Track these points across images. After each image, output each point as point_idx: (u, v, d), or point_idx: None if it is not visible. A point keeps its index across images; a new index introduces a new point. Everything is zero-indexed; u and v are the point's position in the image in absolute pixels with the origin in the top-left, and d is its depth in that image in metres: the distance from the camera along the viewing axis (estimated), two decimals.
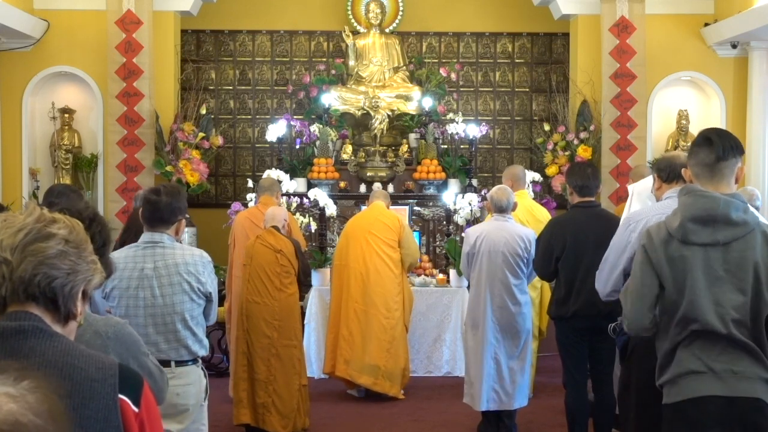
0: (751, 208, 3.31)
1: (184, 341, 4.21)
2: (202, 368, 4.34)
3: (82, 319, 1.94)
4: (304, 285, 6.90)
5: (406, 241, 7.69)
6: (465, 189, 9.92)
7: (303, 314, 7.80)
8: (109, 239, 2.91)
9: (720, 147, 3.28)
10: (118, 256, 4.27)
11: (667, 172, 4.07)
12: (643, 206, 4.34)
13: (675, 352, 3.23)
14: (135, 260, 4.22)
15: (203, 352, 4.32)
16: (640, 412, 3.86)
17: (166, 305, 4.19)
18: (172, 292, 4.19)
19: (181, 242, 4.38)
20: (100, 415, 1.77)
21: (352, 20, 11.18)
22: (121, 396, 1.81)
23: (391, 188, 10.00)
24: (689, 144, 4.02)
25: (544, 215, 7.44)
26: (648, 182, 4.66)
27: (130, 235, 4.73)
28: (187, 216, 4.39)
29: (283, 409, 6.38)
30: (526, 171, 9.46)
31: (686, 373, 3.19)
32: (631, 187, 4.64)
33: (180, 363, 4.22)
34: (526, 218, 7.27)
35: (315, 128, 10.36)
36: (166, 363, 4.17)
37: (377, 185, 9.83)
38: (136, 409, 1.84)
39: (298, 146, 10.48)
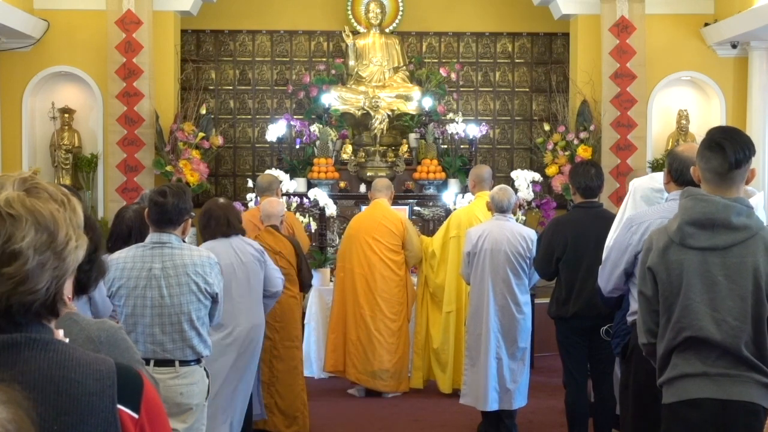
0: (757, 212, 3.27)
1: (190, 341, 4.24)
2: (204, 368, 4.37)
3: (71, 294, 1.87)
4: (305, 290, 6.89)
5: (410, 243, 7.70)
6: (465, 189, 9.90)
7: (303, 314, 7.81)
8: (101, 244, 2.83)
9: (733, 156, 3.13)
10: (125, 255, 4.29)
11: (678, 173, 3.89)
12: (649, 204, 4.30)
13: (670, 356, 3.22)
14: (143, 260, 4.25)
15: (207, 352, 4.36)
16: (638, 412, 3.86)
17: (174, 305, 4.22)
18: (179, 292, 4.22)
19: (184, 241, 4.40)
20: (99, 429, 1.73)
21: (352, 20, 11.17)
22: (119, 406, 1.77)
23: None
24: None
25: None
26: (648, 179, 4.62)
27: (118, 243, 4.62)
28: (193, 214, 4.43)
29: (286, 410, 6.37)
30: (526, 171, 9.48)
31: (681, 375, 3.18)
32: (632, 184, 4.60)
33: (184, 363, 4.25)
34: (469, 220, 7.25)
35: (315, 128, 10.36)
36: (170, 362, 4.22)
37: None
38: (135, 416, 1.80)
39: (298, 146, 10.47)
